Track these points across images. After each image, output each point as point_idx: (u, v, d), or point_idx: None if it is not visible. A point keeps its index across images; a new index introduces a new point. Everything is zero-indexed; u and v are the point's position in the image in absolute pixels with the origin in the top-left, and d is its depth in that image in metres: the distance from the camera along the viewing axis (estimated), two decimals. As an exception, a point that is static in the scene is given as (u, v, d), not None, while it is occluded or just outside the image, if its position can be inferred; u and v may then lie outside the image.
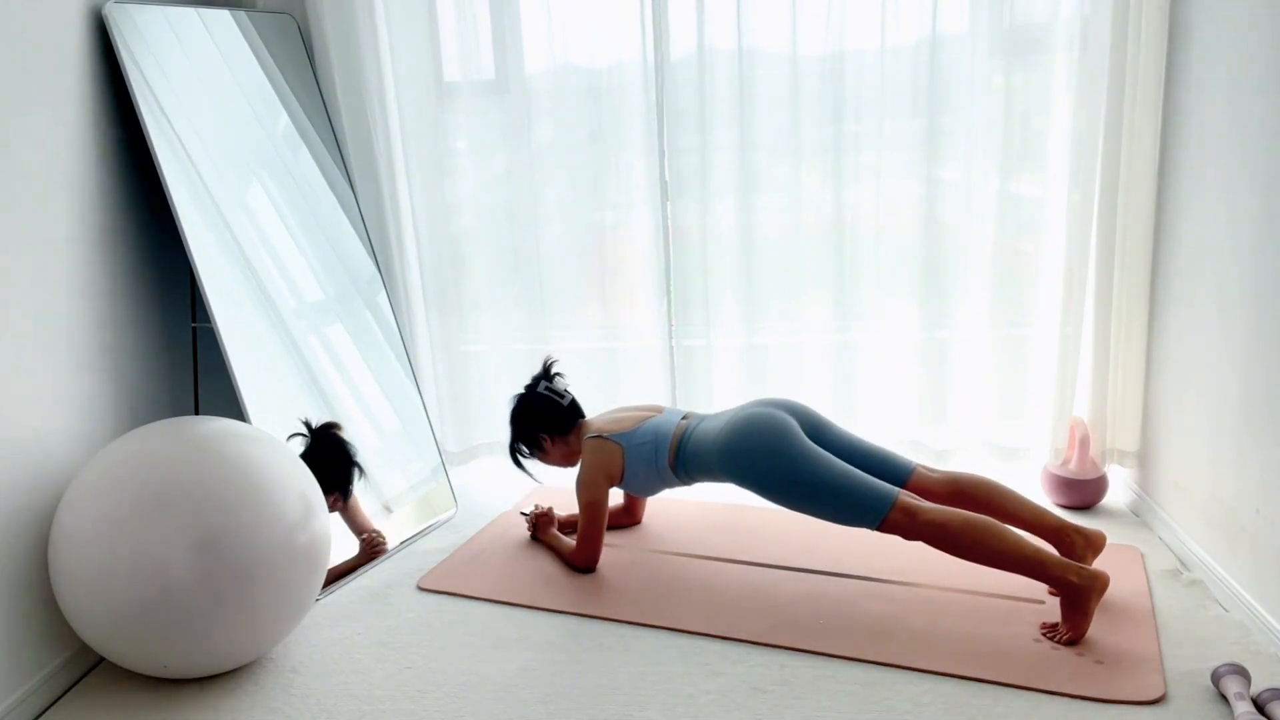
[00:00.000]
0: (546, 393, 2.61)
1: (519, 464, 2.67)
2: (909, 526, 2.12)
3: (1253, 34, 2.08)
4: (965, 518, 2.10)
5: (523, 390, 2.65)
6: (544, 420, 2.59)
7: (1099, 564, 2.29)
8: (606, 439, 2.48)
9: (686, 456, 2.42)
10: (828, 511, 2.21)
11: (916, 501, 2.15)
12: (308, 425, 2.53)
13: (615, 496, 2.82)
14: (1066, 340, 2.76)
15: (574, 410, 2.63)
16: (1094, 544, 2.23)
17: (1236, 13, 2.15)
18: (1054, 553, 2.13)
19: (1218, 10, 2.25)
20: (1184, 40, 2.43)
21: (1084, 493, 2.79)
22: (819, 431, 2.36)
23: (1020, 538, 2.08)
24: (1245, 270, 2.12)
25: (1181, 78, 2.45)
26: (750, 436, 2.28)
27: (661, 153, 2.91)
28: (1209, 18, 2.29)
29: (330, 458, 2.56)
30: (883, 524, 2.14)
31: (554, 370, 2.66)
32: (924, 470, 2.33)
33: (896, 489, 2.17)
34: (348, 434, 2.64)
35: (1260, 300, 2.06)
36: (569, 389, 2.65)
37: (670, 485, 2.53)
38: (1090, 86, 2.60)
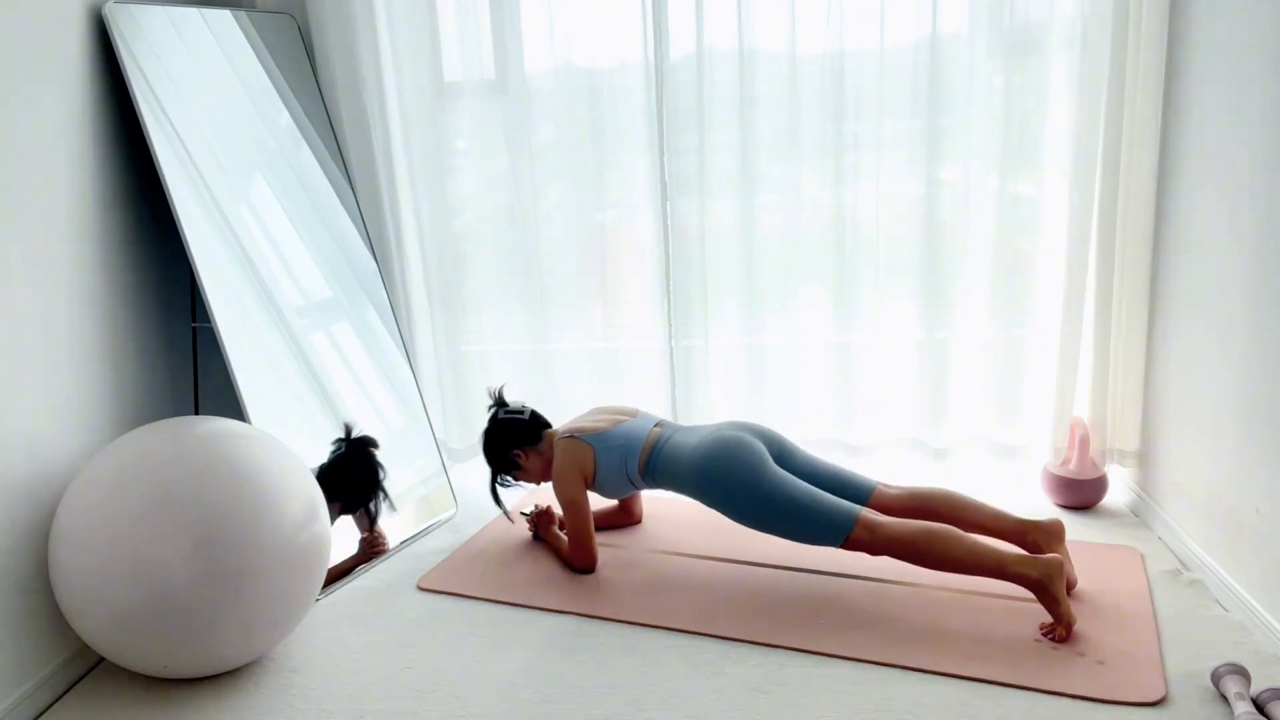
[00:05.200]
0: (507, 416, 2.66)
1: (497, 498, 2.68)
2: (872, 542, 2.19)
3: (1252, 33, 2.08)
4: (923, 528, 2.16)
5: (485, 426, 2.69)
6: (512, 437, 2.63)
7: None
8: (578, 439, 2.52)
9: (656, 467, 2.47)
10: (794, 531, 2.27)
11: (877, 517, 2.21)
12: (348, 432, 2.53)
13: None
14: (1066, 340, 2.76)
15: (537, 421, 2.68)
16: (1054, 534, 2.27)
17: (1236, 12, 2.15)
18: (1018, 552, 2.16)
19: (1217, 10, 2.25)
20: (1184, 40, 2.43)
21: (1084, 493, 2.79)
22: (783, 455, 2.44)
23: (977, 542, 2.13)
24: (1245, 270, 2.12)
25: (1181, 77, 2.45)
26: (722, 461, 2.34)
27: (661, 153, 2.91)
28: (1209, 18, 2.29)
29: (360, 476, 2.57)
30: (847, 541, 2.21)
31: (504, 395, 2.74)
32: (884, 488, 2.39)
33: (859, 507, 2.23)
34: (381, 454, 2.65)
35: (1260, 300, 2.06)
36: (525, 404, 2.71)
37: (639, 489, 2.58)
38: (1090, 86, 2.60)
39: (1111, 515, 2.77)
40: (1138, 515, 2.75)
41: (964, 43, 2.68)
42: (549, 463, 2.62)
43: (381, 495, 2.65)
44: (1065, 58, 2.64)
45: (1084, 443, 2.79)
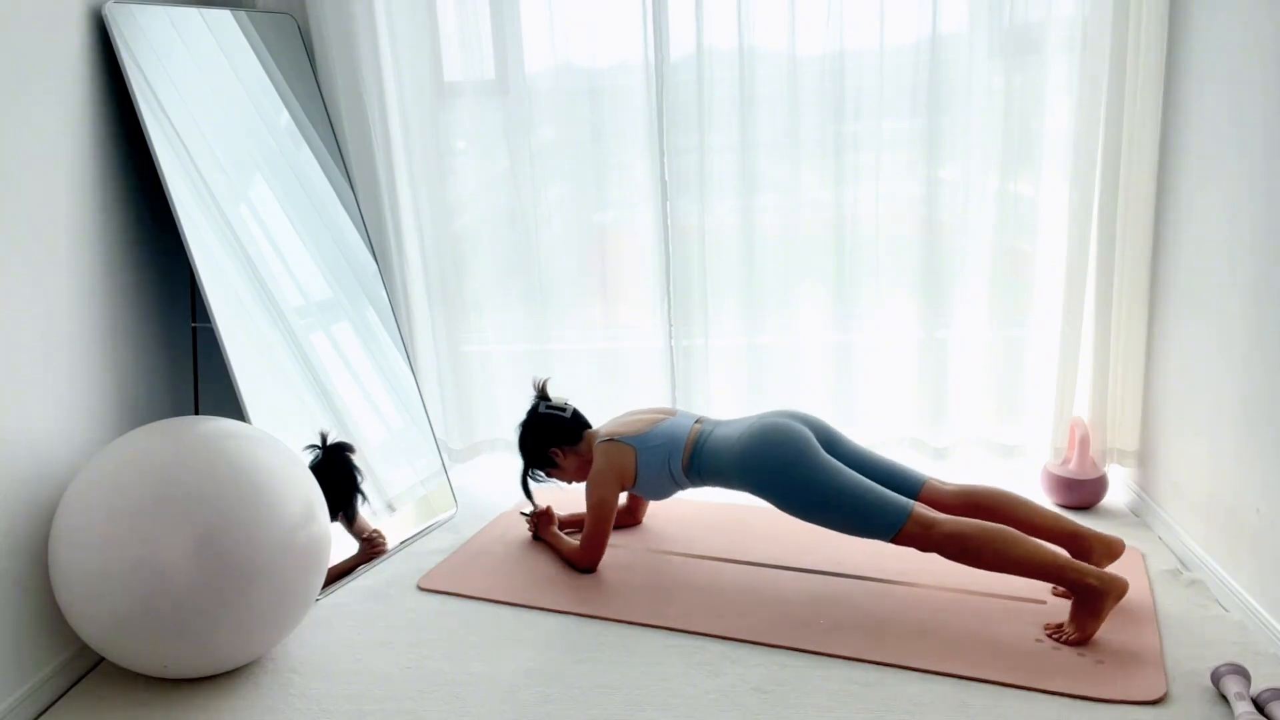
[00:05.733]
0: (548, 411, 2.63)
1: (528, 491, 2.67)
2: (925, 538, 2.13)
3: (1252, 33, 2.08)
4: (980, 527, 2.10)
5: (525, 417, 2.66)
6: (552, 435, 2.60)
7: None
8: (619, 441, 2.48)
9: (702, 462, 2.41)
10: (844, 523, 2.21)
11: (931, 514, 2.15)
12: (323, 439, 2.53)
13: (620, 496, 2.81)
14: (1066, 340, 2.76)
15: (578, 420, 2.64)
16: (1111, 550, 2.23)
17: (1236, 13, 2.15)
18: (1069, 557, 2.13)
19: (1217, 10, 2.25)
20: (1184, 40, 2.43)
21: (1084, 493, 2.79)
22: (832, 444, 2.37)
23: (1037, 544, 2.08)
24: (1245, 269, 2.12)
25: (1181, 77, 2.45)
26: (769, 447, 2.28)
27: (661, 153, 2.91)
28: (1208, 17, 2.29)
29: (336, 480, 2.57)
30: (898, 536, 2.15)
31: (547, 389, 2.70)
32: (936, 483, 2.33)
33: (911, 501, 2.18)
34: (359, 456, 2.66)
35: (1260, 300, 2.06)
36: (568, 402, 2.67)
37: (682, 488, 2.52)
38: (1090, 86, 2.60)
39: (1111, 515, 2.77)
40: (1138, 515, 2.75)
41: (964, 43, 2.68)
42: (586, 464, 2.59)
43: (360, 499, 2.64)
44: (1065, 58, 2.64)
45: (1084, 443, 2.79)
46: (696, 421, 2.52)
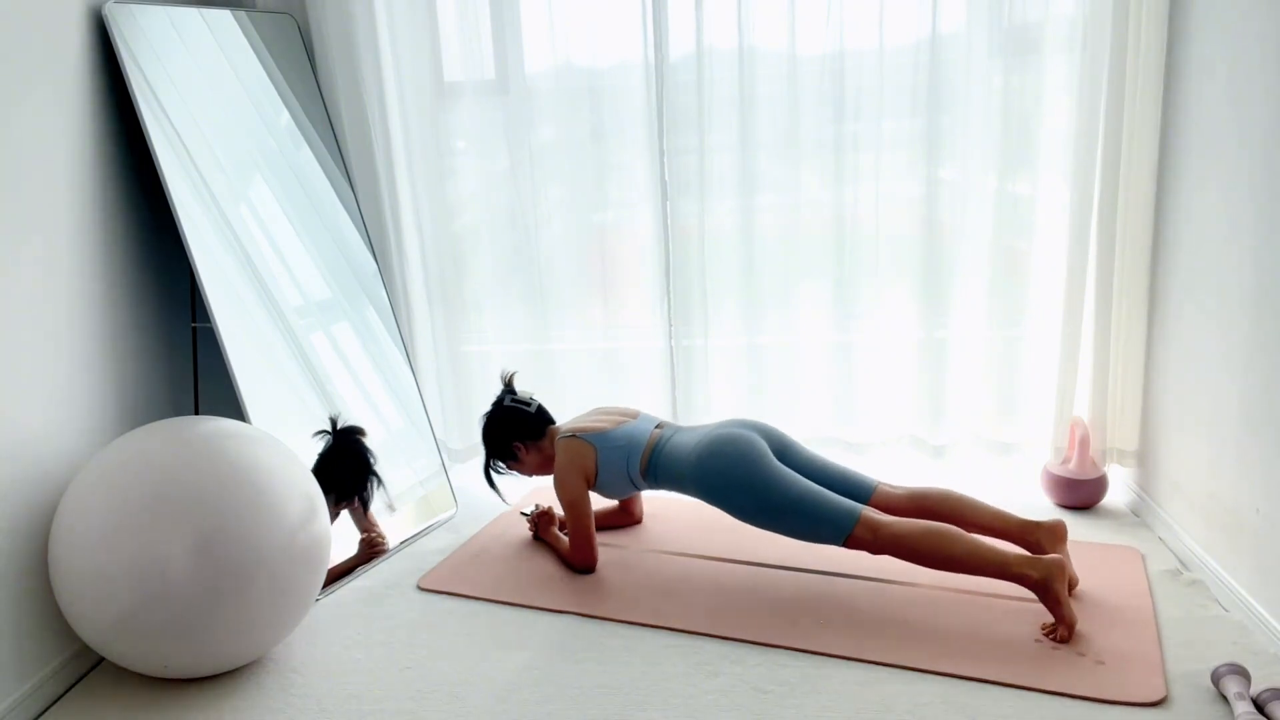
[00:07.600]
0: (513, 404, 2.65)
1: (491, 482, 2.70)
2: (873, 541, 2.19)
3: (1251, 34, 2.08)
4: (925, 527, 2.16)
5: (489, 409, 2.68)
6: (515, 429, 2.63)
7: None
8: (579, 438, 2.51)
9: (658, 467, 2.46)
10: (795, 529, 2.26)
11: (879, 517, 2.21)
12: (334, 424, 2.54)
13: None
14: (1066, 340, 2.76)
15: (542, 416, 2.68)
16: (1057, 535, 2.26)
17: (1236, 13, 2.15)
18: (1019, 552, 2.15)
19: (1217, 10, 2.25)
20: (1183, 40, 2.43)
21: (1084, 492, 2.79)
22: (785, 452, 2.43)
23: (979, 542, 2.13)
24: (1244, 269, 2.12)
25: (1181, 77, 2.45)
26: (722, 458, 2.33)
27: (661, 153, 2.91)
28: (1208, 18, 2.29)
29: (350, 464, 2.58)
30: (849, 540, 2.21)
31: (514, 383, 2.73)
32: (886, 488, 2.39)
33: (861, 505, 2.24)
34: (370, 441, 2.68)
35: (1260, 299, 2.06)
36: (533, 397, 2.71)
37: (640, 490, 2.58)
38: (1090, 86, 2.60)
39: (1111, 515, 2.77)
40: (1138, 515, 2.75)
41: (963, 43, 2.68)
42: (548, 459, 2.63)
43: (375, 481, 2.65)
44: (1065, 58, 2.64)
45: (1084, 443, 2.79)
46: (657, 426, 2.56)
